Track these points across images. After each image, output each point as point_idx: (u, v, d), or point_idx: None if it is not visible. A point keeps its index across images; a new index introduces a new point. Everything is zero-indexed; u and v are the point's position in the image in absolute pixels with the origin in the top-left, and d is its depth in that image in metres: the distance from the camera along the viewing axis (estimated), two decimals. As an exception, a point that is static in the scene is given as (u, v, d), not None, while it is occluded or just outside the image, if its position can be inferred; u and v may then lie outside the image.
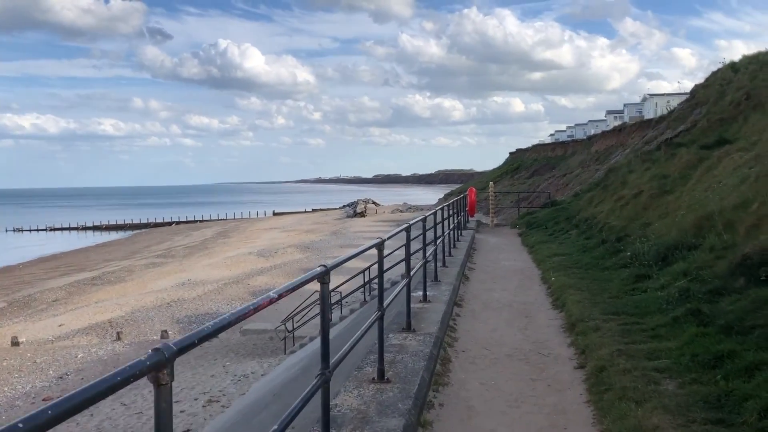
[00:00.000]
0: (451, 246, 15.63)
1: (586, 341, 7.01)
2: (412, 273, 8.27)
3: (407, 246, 7.34)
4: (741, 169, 12.65)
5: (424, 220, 9.13)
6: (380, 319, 5.51)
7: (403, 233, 7.09)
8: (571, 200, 27.58)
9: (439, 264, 12.42)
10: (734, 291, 7.52)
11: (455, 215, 18.29)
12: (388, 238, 5.77)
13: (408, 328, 7.33)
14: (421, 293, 9.39)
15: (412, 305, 8.84)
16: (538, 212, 27.68)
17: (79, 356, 25.46)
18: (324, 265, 3.67)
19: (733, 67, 30.72)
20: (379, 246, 5.42)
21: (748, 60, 29.58)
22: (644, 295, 8.79)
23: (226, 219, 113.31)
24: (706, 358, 5.66)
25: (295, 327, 23.44)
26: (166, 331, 27.81)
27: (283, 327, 23.20)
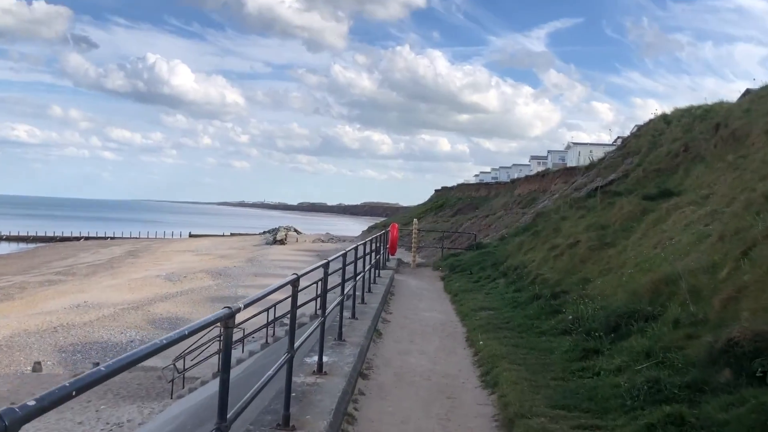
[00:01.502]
0: (366, 290, 13.60)
1: (531, 455, 5.03)
2: (303, 338, 6.14)
3: (293, 308, 5.22)
4: (695, 225, 11.19)
5: (326, 265, 7.04)
6: (221, 439, 3.35)
7: (284, 291, 5.00)
8: (498, 244, 26.09)
9: (347, 314, 10.35)
10: (720, 388, 5.74)
11: (374, 253, 16.30)
12: (246, 305, 3.64)
13: (285, 424, 5.15)
14: (316, 360, 7.25)
15: (302, 379, 6.70)
16: (462, 254, 26.04)
17: (-72, 389, 21.86)
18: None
19: (665, 118, 30.46)
20: (227, 319, 3.30)
21: (680, 113, 29.29)
22: (598, 380, 6.92)
23: (139, 237, 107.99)
24: None
25: (186, 367, 20.77)
26: (39, 363, 24.41)
27: (173, 366, 20.46)
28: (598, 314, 9.27)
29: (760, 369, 5.67)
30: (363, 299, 12.79)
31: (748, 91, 35.40)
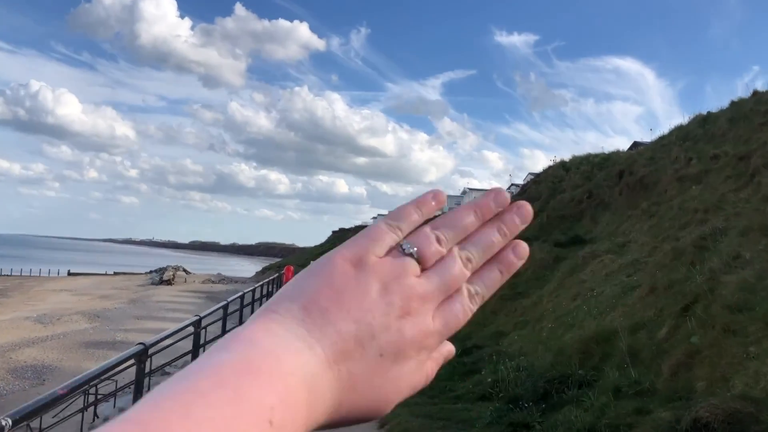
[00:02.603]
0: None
1: None
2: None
3: (137, 390, 3.64)
4: (616, 275, 10.37)
5: (198, 323, 5.46)
6: None
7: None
8: (399, 289, 24.92)
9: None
10: (693, 485, 4.61)
11: (266, 298, 14.65)
12: (21, 417, 2.09)
13: None
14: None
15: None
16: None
17: None
18: None
19: (563, 166, 30.71)
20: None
21: (578, 161, 29.59)
22: (535, 467, 5.68)
23: (10, 275, 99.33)
24: None
25: (43, 428, 17.98)
26: None
27: (27, 427, 17.67)
28: (521, 377, 8.10)
29: (739, 460, 4.57)
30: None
31: (636, 144, 36.66)
